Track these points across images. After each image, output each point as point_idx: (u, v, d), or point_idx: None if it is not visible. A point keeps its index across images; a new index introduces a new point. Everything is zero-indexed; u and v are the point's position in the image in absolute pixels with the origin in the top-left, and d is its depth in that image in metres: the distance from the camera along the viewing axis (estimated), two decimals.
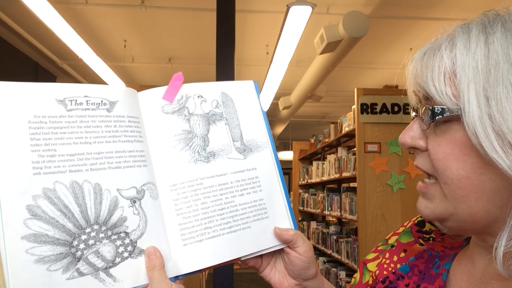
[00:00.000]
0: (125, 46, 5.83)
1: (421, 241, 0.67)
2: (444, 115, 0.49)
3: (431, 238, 0.66)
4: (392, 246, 0.70)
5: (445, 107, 0.49)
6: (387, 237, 0.73)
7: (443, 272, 0.60)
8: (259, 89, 0.77)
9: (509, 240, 0.47)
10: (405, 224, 0.72)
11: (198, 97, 0.71)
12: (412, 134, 0.55)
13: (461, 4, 4.41)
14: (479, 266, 0.56)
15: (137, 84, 6.87)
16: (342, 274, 4.75)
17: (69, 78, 6.82)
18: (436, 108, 0.50)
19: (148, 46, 5.97)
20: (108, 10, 4.80)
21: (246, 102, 0.74)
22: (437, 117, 0.50)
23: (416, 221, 0.70)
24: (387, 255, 0.69)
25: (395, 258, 0.67)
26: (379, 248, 0.73)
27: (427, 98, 0.52)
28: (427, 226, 0.68)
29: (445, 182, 0.51)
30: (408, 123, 0.57)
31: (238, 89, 0.75)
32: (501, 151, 0.45)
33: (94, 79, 6.51)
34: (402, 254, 0.67)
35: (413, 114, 0.57)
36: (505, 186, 0.47)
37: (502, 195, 0.48)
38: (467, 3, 4.25)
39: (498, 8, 0.51)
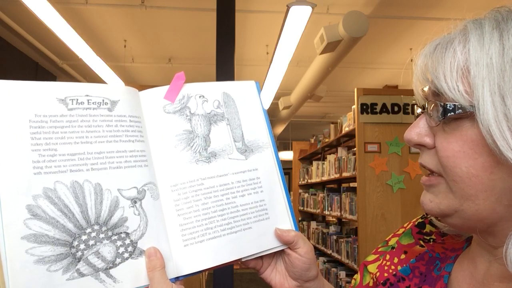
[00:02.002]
0: (125, 46, 5.83)
1: (421, 242, 0.66)
2: (456, 112, 0.48)
3: (431, 240, 0.66)
4: (393, 247, 0.69)
5: (457, 103, 0.48)
6: (387, 239, 0.73)
7: (444, 275, 0.60)
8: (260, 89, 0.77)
9: None
10: (405, 225, 0.72)
11: (200, 97, 0.71)
12: (418, 131, 0.53)
13: (461, 4, 4.40)
14: (481, 268, 0.55)
15: (137, 84, 6.86)
16: (342, 274, 4.75)
17: (69, 78, 6.82)
18: (448, 105, 0.48)
19: (148, 46, 5.97)
20: (108, 10, 4.80)
21: (247, 103, 0.74)
22: (448, 114, 0.48)
23: (416, 223, 0.69)
24: (388, 256, 0.68)
25: (396, 260, 0.67)
26: (379, 250, 0.72)
27: (436, 94, 0.50)
28: (428, 228, 0.67)
29: (453, 179, 0.49)
30: (408, 123, 0.55)
31: (240, 89, 0.75)
32: None
33: (94, 79, 6.50)
34: (403, 256, 0.66)
35: (419, 110, 0.55)
36: None
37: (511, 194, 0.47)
38: (467, 3, 4.24)
39: (509, 4, 0.49)
